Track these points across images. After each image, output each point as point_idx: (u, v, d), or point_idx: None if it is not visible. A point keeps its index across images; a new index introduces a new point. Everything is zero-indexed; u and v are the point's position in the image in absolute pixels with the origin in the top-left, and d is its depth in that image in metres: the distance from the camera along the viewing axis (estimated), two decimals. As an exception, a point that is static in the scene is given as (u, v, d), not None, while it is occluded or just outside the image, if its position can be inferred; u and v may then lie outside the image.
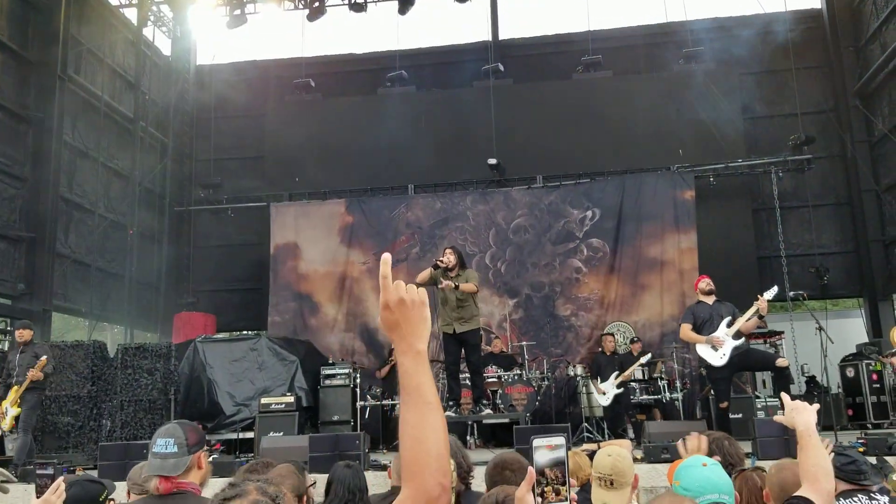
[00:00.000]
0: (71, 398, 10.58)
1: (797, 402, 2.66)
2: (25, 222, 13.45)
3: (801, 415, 2.59)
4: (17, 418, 8.50)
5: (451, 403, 9.02)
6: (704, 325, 7.84)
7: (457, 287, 8.45)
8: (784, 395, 2.82)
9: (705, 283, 8.14)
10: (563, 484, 1.68)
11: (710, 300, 8.07)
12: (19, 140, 13.46)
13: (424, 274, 8.65)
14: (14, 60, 13.44)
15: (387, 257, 1.51)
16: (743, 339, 7.75)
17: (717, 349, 7.64)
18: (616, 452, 3.24)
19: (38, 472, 3.39)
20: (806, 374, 12.97)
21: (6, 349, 9.65)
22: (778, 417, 2.77)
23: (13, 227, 13.24)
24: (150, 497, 2.69)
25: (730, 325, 7.69)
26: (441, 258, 8.69)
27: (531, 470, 1.65)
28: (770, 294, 7.83)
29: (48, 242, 13.46)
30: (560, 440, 1.70)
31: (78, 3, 14.86)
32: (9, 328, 13.16)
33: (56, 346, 11.07)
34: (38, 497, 3.34)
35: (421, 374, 1.48)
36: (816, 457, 2.49)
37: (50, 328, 13.62)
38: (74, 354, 10.76)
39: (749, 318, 7.64)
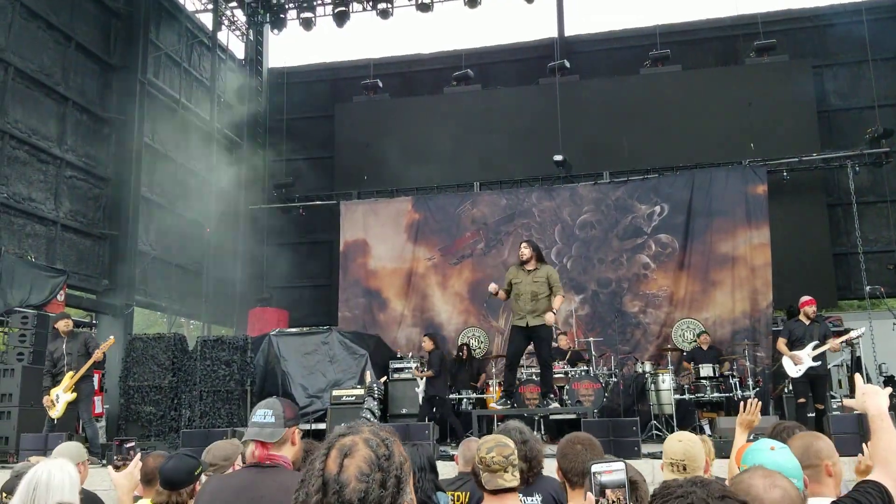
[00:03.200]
0: (153, 388, 11.04)
1: (869, 385, 2.62)
2: (109, 221, 14.06)
3: (873, 398, 2.55)
4: (71, 404, 8.73)
5: (503, 395, 9.09)
6: (795, 343, 9.21)
7: (556, 313, 8.57)
8: (857, 378, 2.79)
9: (812, 309, 9.31)
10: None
11: (808, 321, 9.31)
12: (103, 142, 14.07)
13: (502, 294, 8.74)
14: (97, 66, 14.06)
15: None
16: (821, 363, 9.07)
17: (797, 364, 9.07)
18: (687, 438, 3.31)
19: (126, 445, 3.65)
20: (884, 374, 12.57)
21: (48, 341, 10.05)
22: (848, 402, 2.75)
23: (97, 226, 13.86)
24: (248, 466, 2.86)
25: (815, 347, 9.02)
26: (493, 287, 8.79)
27: (590, 496, 1.75)
28: (856, 334, 9.40)
29: (130, 240, 14.04)
30: (619, 466, 1.79)
31: (156, 9, 15.47)
32: (94, 322, 13.80)
33: (139, 339, 11.59)
34: (116, 471, 3.59)
35: None
36: (889, 440, 2.45)
37: (132, 323, 14.20)
38: (156, 347, 11.23)
39: (828, 348, 9.10)
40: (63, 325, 9.10)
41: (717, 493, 1.61)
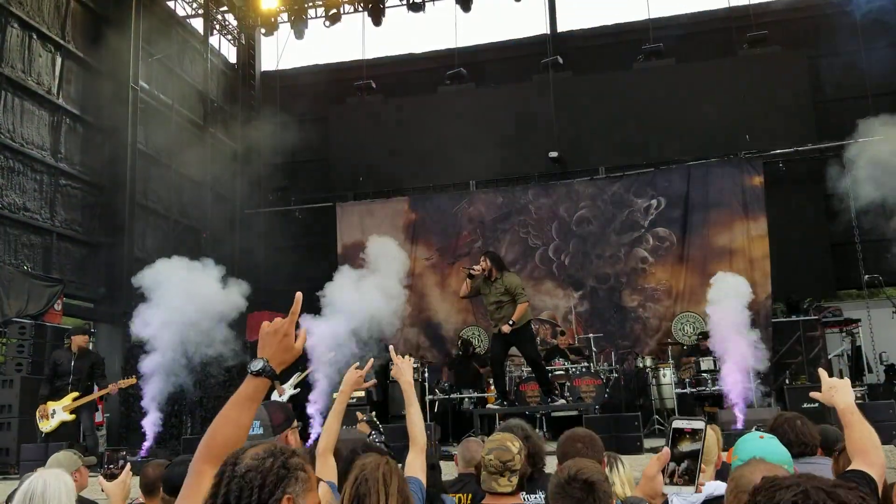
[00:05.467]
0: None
1: (834, 379, 2.67)
2: (104, 229, 14.02)
3: (841, 393, 2.60)
4: (65, 424, 8.73)
5: (497, 398, 9.18)
6: None
7: (513, 325, 8.56)
8: (821, 372, 2.83)
9: None
10: (694, 475, 1.72)
11: None
12: (96, 149, 14.02)
13: (465, 287, 8.80)
14: (88, 72, 14.00)
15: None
16: None
17: None
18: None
19: (119, 455, 3.65)
20: (884, 363, 12.58)
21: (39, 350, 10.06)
22: (815, 394, 2.78)
23: (93, 234, 13.82)
24: None
25: None
26: (474, 267, 8.81)
27: (666, 450, 1.71)
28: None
29: (126, 247, 13.99)
30: (700, 425, 1.74)
31: (147, 15, 15.39)
32: (92, 330, 13.75)
33: (137, 347, 11.53)
34: (107, 481, 3.58)
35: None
36: (862, 431, 2.50)
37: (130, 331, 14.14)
38: (155, 354, 11.16)
39: None
40: (79, 341, 9.08)
41: (828, 484, 1.48)
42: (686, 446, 1.74)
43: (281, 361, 1.99)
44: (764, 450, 2.51)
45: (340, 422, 3.15)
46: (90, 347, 10.01)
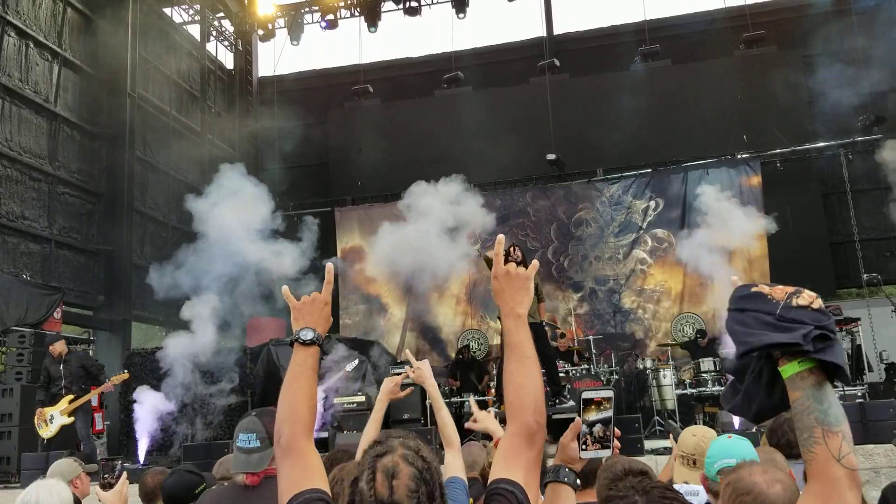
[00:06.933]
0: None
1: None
2: (103, 236, 14.01)
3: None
4: (64, 427, 8.76)
5: (493, 401, 9.17)
6: None
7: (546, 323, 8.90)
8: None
9: None
10: (608, 440, 1.79)
11: None
12: (94, 157, 14.03)
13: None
14: (86, 80, 14.00)
15: (501, 237, 1.86)
16: None
17: None
18: (701, 433, 3.32)
19: (115, 464, 3.65)
20: (885, 362, 12.55)
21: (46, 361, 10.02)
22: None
23: (92, 241, 13.81)
24: (238, 486, 2.80)
25: None
26: (512, 258, 8.85)
27: (578, 420, 1.76)
28: None
29: (125, 255, 13.99)
30: (609, 393, 1.79)
31: (143, 22, 15.40)
32: (91, 338, 13.74)
33: (137, 354, 11.53)
34: (104, 490, 3.58)
35: (521, 332, 1.79)
36: None
37: (130, 337, 14.13)
38: (155, 361, 11.13)
39: None
40: (57, 349, 9.06)
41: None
42: (593, 414, 1.80)
43: (323, 330, 1.98)
44: (725, 445, 2.68)
45: (379, 429, 3.15)
46: (86, 350, 9.99)
